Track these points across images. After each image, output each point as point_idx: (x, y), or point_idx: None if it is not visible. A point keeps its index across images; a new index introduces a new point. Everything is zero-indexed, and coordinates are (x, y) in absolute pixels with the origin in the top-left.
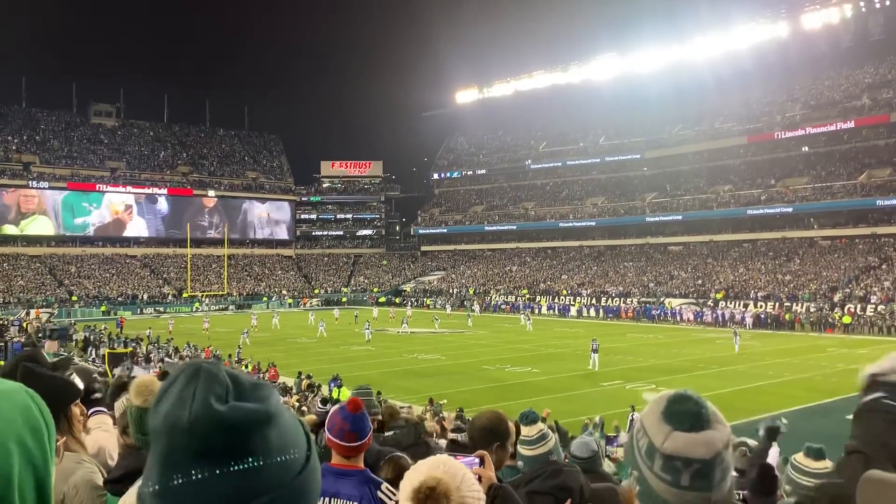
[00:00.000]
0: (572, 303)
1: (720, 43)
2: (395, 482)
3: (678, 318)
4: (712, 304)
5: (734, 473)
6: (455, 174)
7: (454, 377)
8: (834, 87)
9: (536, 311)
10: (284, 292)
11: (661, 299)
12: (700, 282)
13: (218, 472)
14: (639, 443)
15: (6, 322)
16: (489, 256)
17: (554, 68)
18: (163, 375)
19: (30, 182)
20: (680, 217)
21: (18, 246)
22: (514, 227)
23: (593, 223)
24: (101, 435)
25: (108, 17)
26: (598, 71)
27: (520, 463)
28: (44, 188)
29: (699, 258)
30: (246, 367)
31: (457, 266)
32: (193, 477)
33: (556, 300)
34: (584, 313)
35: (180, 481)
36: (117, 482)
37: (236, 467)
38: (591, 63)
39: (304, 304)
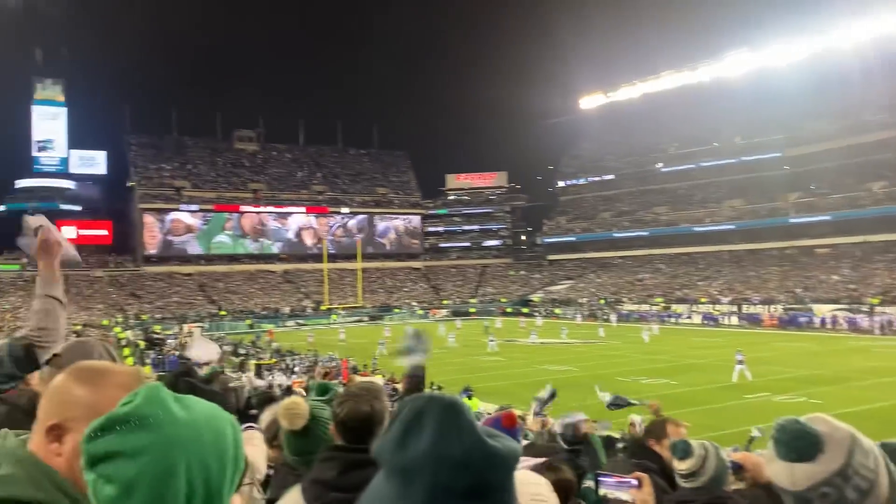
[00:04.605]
0: (711, 311)
1: (865, 29)
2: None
3: (830, 326)
4: (868, 310)
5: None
6: (581, 181)
7: (586, 389)
8: None
9: (674, 320)
10: (414, 304)
11: (809, 305)
12: (853, 286)
13: None
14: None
15: (163, 336)
16: (619, 264)
17: (682, 68)
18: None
19: (180, 205)
20: (828, 217)
21: (172, 265)
22: (646, 234)
23: (732, 227)
24: (250, 450)
25: (245, 51)
26: (730, 68)
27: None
28: (194, 210)
29: (851, 261)
30: (382, 377)
31: (585, 275)
32: None
33: (694, 308)
34: (724, 321)
35: None
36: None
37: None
38: (721, 60)
39: (434, 315)
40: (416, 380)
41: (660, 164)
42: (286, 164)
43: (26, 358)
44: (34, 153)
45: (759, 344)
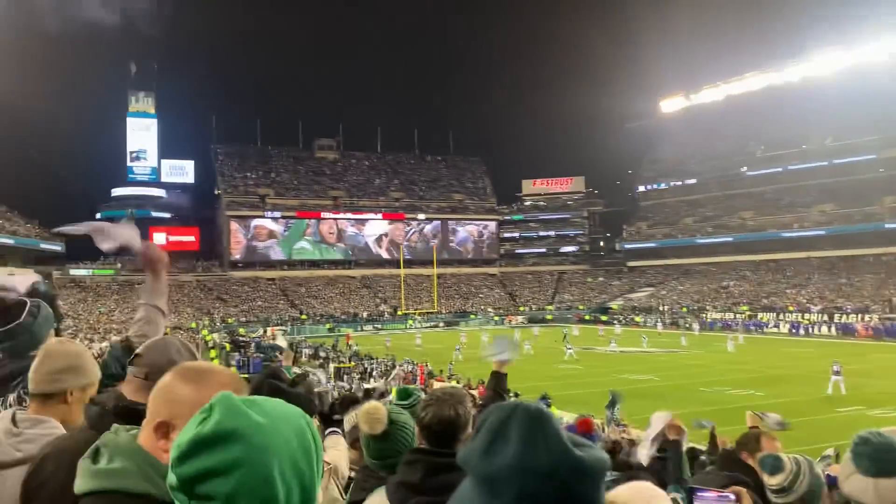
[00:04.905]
0: (800, 320)
1: None
2: None
3: None
4: None
5: None
6: (662, 185)
7: (668, 399)
8: None
9: (760, 329)
10: (490, 310)
11: None
12: None
13: None
14: None
15: (248, 339)
16: (702, 271)
17: (768, 68)
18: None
19: (265, 213)
20: None
21: (256, 270)
22: (731, 239)
23: (822, 232)
24: (333, 453)
25: (325, 61)
26: (820, 67)
27: None
28: (277, 217)
29: None
30: (458, 382)
31: (667, 282)
32: None
33: (781, 317)
34: (815, 331)
35: None
36: None
37: None
38: (810, 60)
39: (510, 321)
40: (500, 381)
41: (745, 168)
42: (364, 172)
43: (127, 358)
44: (128, 163)
45: (853, 355)
